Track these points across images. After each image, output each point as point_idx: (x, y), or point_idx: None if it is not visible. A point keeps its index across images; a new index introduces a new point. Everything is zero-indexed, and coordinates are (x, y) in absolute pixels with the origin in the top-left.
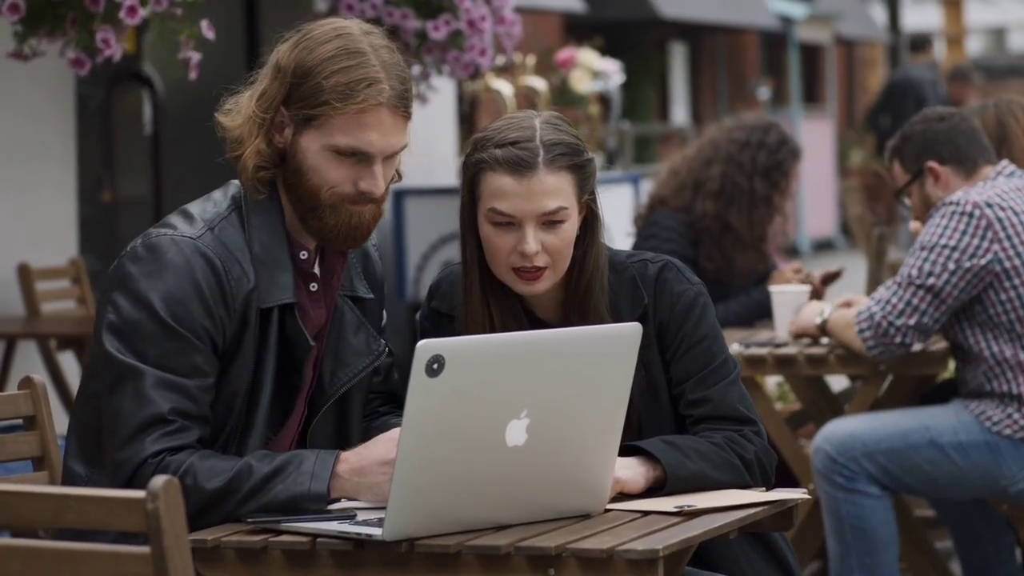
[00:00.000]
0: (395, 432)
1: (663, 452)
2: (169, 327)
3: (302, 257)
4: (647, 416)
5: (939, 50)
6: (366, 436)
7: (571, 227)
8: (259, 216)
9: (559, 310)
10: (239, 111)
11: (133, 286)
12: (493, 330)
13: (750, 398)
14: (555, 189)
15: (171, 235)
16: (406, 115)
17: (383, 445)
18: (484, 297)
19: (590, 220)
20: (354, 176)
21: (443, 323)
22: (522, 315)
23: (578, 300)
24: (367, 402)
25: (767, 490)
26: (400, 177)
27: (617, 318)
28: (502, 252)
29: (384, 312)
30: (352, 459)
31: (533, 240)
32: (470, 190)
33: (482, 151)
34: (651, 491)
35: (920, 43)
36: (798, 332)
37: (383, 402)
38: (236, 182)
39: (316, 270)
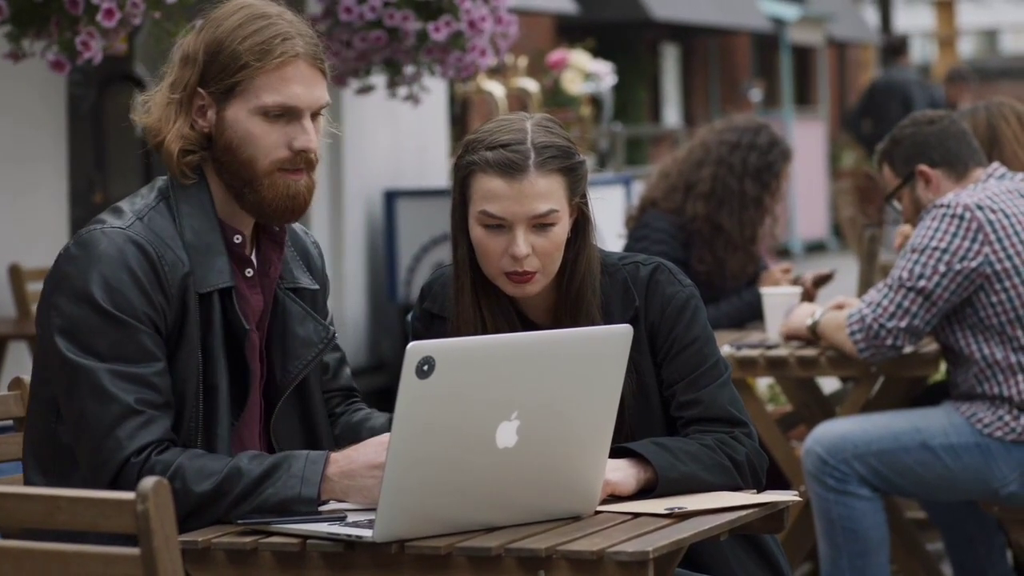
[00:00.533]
0: (385, 436)
1: (654, 454)
2: (112, 316)
3: (236, 241)
4: (638, 418)
5: (931, 52)
6: (340, 440)
7: (562, 230)
8: (188, 203)
9: (551, 312)
10: (154, 105)
11: (70, 284)
12: (485, 332)
13: (741, 400)
14: (546, 192)
15: (101, 228)
16: (323, 70)
17: (372, 448)
18: (476, 299)
19: (581, 223)
20: (287, 137)
21: (435, 324)
22: (514, 317)
23: (569, 302)
24: (324, 403)
25: (758, 492)
26: (317, 159)
27: (609, 320)
28: (493, 254)
29: (328, 307)
30: (341, 461)
31: (523, 243)
32: (461, 192)
33: (473, 153)
34: (642, 493)
35: (899, 46)
36: (789, 334)
37: (340, 400)
38: (162, 177)
39: (252, 256)
